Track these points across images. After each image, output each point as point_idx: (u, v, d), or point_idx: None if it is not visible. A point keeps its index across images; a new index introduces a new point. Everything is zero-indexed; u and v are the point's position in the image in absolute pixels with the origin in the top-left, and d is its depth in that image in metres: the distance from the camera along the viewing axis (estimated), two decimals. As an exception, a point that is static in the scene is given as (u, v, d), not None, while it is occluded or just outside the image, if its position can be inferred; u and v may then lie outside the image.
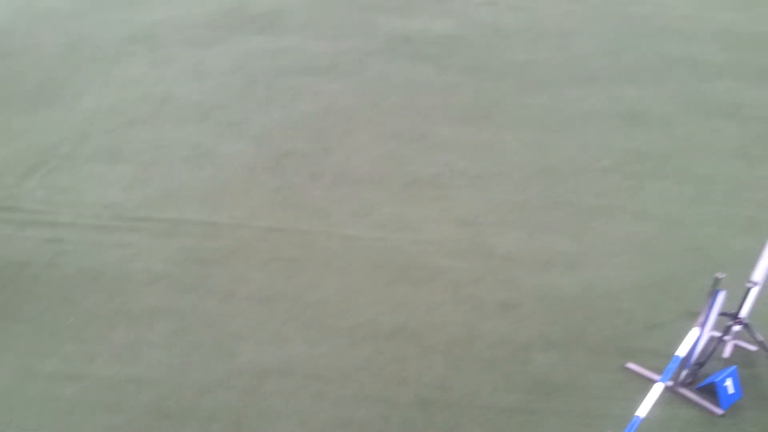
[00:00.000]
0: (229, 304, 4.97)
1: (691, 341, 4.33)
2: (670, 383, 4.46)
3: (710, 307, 4.26)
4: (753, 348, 4.76)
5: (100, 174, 6.13)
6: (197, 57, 7.36)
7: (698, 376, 4.55)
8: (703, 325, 4.33)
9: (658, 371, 4.41)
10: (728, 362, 4.65)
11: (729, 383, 4.40)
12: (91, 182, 6.04)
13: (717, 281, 4.16)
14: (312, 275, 5.20)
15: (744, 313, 4.63)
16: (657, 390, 4.21)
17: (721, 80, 7.45)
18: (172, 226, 5.60)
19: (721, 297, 4.27)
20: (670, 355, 4.29)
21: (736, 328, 4.68)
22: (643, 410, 4.13)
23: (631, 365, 4.63)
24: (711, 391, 4.42)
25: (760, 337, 4.66)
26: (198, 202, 5.85)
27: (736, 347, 4.79)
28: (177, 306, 4.94)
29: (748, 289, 4.54)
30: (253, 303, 4.98)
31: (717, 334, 4.66)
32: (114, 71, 7.32)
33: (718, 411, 4.37)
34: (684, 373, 4.50)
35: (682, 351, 4.31)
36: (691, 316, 4.52)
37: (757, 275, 4.51)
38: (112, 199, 5.87)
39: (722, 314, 4.54)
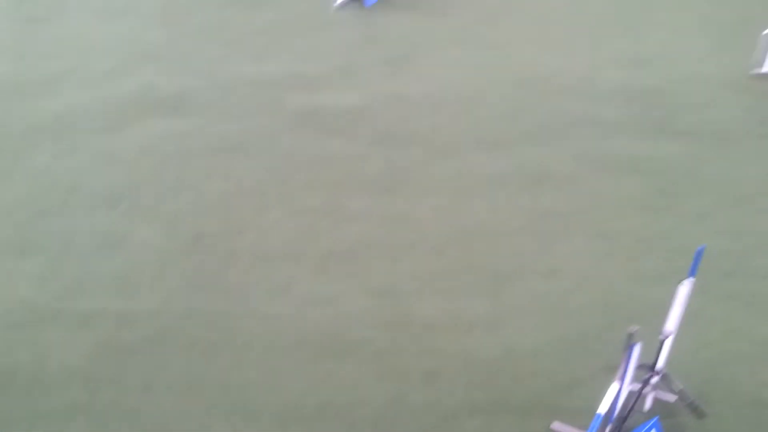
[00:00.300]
0: (148, 396, 4.88)
1: (612, 397, 4.41)
2: (595, 440, 4.52)
3: (627, 361, 4.35)
4: (672, 398, 4.86)
5: (10, 269, 6.00)
6: (105, 143, 7.31)
7: (622, 431, 4.62)
8: (621, 380, 4.41)
9: (584, 428, 4.47)
10: (650, 414, 4.74)
11: (652, 435, 4.49)
12: (1, 278, 5.91)
13: (631, 335, 4.26)
14: (233, 358, 5.15)
15: (661, 364, 4.74)
16: (583, 448, 4.26)
17: (620, 136, 7.69)
18: (86, 317, 5.50)
19: (636, 350, 4.37)
20: (593, 411, 4.36)
21: (654, 379, 4.78)
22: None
23: (557, 425, 4.68)
24: (636, 445, 4.49)
25: (678, 386, 4.77)
26: (112, 290, 5.76)
27: (656, 399, 4.89)
28: (95, 402, 4.83)
29: (662, 341, 4.66)
30: (174, 393, 4.90)
31: (637, 386, 4.76)
32: (20, 162, 7.21)
33: (645, 463, 4.44)
34: (608, 429, 4.57)
35: (603, 407, 4.38)
36: (611, 371, 4.61)
37: (670, 325, 4.63)
38: (23, 293, 5.74)
39: (640, 367, 4.64)
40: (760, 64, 8.46)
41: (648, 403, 4.84)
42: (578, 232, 6.69)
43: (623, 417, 4.60)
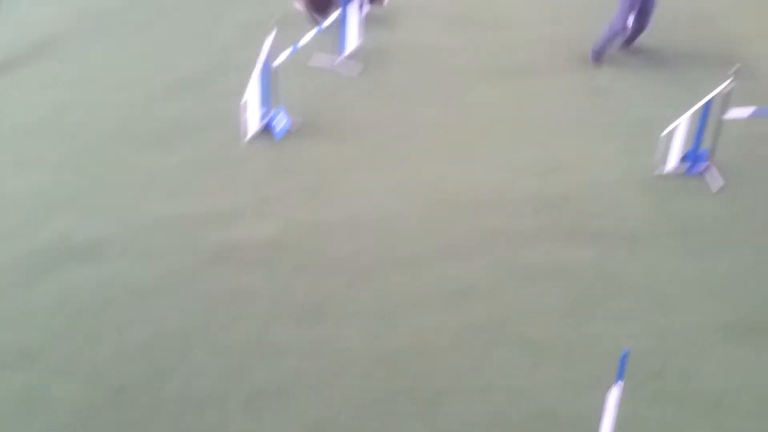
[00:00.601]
0: None
1: None
2: None
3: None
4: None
5: None
6: (17, 298, 7.13)
7: None
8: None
9: None
10: None
11: None
12: None
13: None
14: None
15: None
16: None
17: (539, 244, 7.81)
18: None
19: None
20: None
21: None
22: None
23: None
24: None
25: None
26: (33, 454, 5.54)
27: None
28: None
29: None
30: None
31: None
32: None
33: None
34: None
35: None
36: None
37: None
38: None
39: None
40: (663, 165, 8.75)
41: None
42: (507, 343, 6.72)
43: None
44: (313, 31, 9.77)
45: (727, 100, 8.38)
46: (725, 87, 8.32)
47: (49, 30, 11.15)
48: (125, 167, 8.81)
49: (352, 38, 10.55)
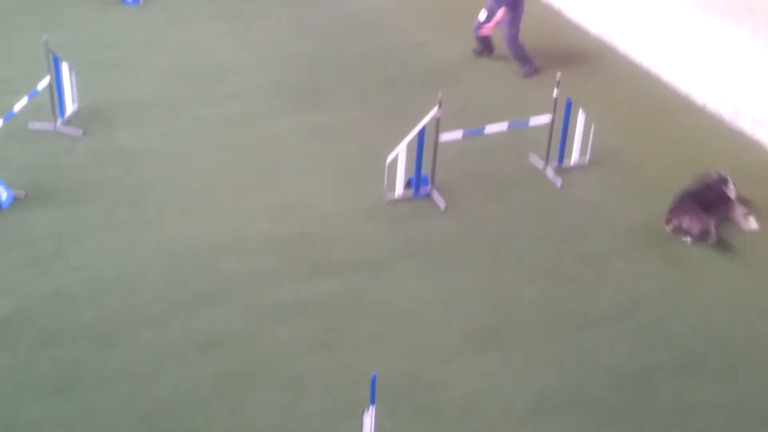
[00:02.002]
0: None
1: None
2: None
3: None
4: None
5: None
6: None
7: None
8: None
9: None
10: None
11: None
12: None
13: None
14: None
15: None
16: None
17: (282, 283, 8.01)
18: None
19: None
20: None
21: None
22: None
23: None
24: None
25: None
26: None
27: None
28: None
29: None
30: None
31: None
32: None
33: None
34: None
35: None
36: None
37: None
38: None
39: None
40: (391, 192, 9.22)
41: None
42: (265, 384, 6.85)
43: None
44: (26, 97, 9.52)
45: (438, 125, 8.99)
46: (435, 113, 8.93)
47: None
48: None
49: (69, 100, 10.33)
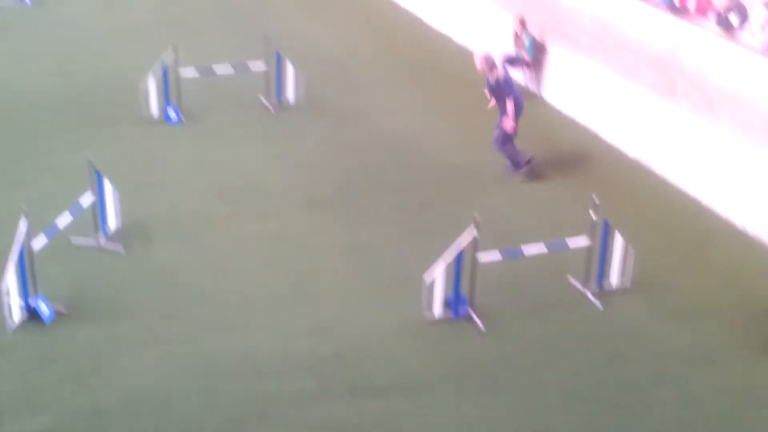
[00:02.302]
0: None
1: None
2: None
3: None
4: None
5: None
6: None
7: None
8: None
9: None
10: None
11: None
12: None
13: None
14: None
15: None
16: None
17: (319, 406, 7.95)
18: None
19: None
20: None
21: None
22: None
23: None
24: None
25: None
26: None
27: None
28: None
29: None
30: None
31: None
32: None
33: None
34: None
35: None
36: None
37: None
38: None
39: None
40: (430, 311, 9.18)
41: None
42: None
43: None
44: (69, 213, 9.69)
45: (475, 245, 9.00)
46: (472, 233, 8.95)
47: None
48: None
49: (112, 217, 10.48)
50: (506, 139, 12.04)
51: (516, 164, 12.18)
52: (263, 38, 13.50)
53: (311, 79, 14.28)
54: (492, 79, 11.85)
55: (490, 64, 11.77)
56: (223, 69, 14.10)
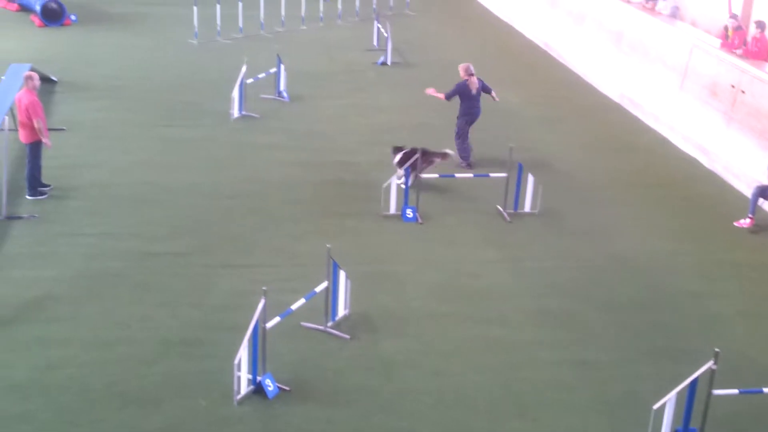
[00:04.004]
0: None
1: None
2: None
3: None
4: None
5: None
6: None
7: None
8: None
9: None
10: None
11: None
12: None
13: None
14: None
15: None
16: None
17: None
18: None
19: None
20: None
21: None
22: None
23: None
24: None
25: None
26: None
27: None
28: None
29: None
30: None
31: None
32: None
33: None
34: None
35: None
36: None
37: None
38: None
39: None
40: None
41: None
42: None
43: None
44: (303, 299, 10.05)
45: (712, 378, 8.49)
46: (709, 366, 8.45)
47: (43, 290, 11.25)
48: (111, 427, 8.71)
49: (342, 305, 10.79)
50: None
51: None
52: (507, 148, 13.66)
53: (548, 190, 14.24)
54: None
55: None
56: (462, 173, 14.39)
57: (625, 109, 19.42)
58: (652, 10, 19.09)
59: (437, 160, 14.74)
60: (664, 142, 17.64)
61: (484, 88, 15.67)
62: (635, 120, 18.77)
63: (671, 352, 10.41)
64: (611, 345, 10.69)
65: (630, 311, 11.47)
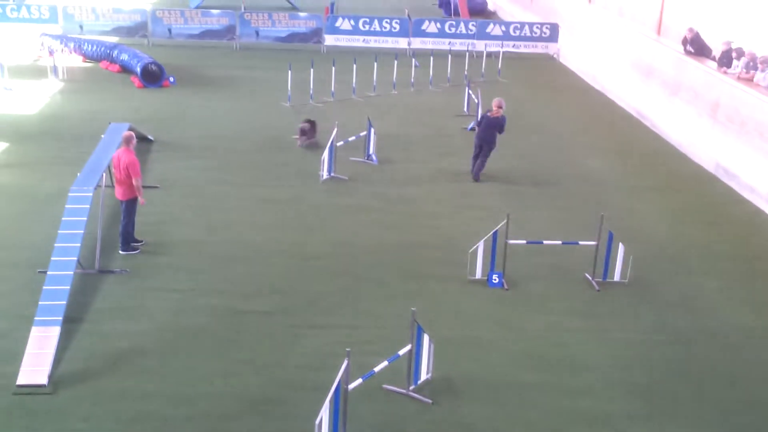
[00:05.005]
0: None
1: None
2: None
3: None
4: None
5: None
6: None
7: None
8: None
9: None
10: None
11: None
12: None
13: None
14: None
15: None
16: None
17: None
18: None
19: None
20: None
21: None
22: None
23: None
24: None
25: None
26: None
27: None
28: None
29: None
30: None
31: None
32: None
33: None
34: None
35: None
36: None
37: None
38: None
39: None
40: None
41: None
42: None
43: None
44: (386, 361, 9.96)
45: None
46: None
47: (130, 344, 11.40)
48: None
49: (424, 369, 10.66)
50: None
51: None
52: (597, 216, 13.44)
53: (639, 259, 13.94)
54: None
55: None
56: (551, 239, 14.21)
57: (720, 179, 18.99)
58: (750, 81, 18.69)
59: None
60: (759, 214, 17.15)
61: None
62: (730, 191, 18.33)
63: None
64: (701, 422, 10.30)
65: (720, 388, 11.05)
